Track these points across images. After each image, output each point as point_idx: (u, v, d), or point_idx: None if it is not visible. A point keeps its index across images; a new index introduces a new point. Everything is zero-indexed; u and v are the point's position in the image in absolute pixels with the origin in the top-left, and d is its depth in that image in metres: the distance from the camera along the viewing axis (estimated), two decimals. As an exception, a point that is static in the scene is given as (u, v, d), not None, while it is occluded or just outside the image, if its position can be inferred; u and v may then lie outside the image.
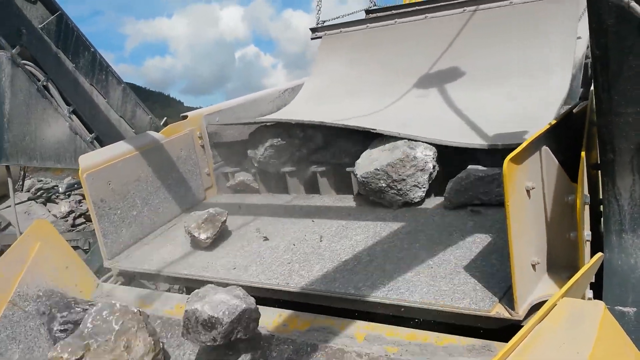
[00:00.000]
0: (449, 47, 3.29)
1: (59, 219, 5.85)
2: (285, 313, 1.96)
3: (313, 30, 4.07)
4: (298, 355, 1.78)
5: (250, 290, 2.11)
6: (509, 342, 1.12)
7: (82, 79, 2.59)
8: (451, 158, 2.40)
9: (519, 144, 1.44)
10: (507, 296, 1.61)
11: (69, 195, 6.97)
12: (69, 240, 2.54)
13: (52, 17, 2.63)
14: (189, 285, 2.45)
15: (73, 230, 5.66)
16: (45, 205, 6.15)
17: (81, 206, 6.67)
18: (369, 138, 2.55)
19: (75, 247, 3.24)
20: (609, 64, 1.27)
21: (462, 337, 1.63)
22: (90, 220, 2.36)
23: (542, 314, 1.17)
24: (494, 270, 1.77)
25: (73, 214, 6.53)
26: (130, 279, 2.55)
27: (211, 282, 2.20)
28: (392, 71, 3.42)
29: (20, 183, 5.58)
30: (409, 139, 2.38)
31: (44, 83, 2.47)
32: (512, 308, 1.55)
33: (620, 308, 1.62)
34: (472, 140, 2.27)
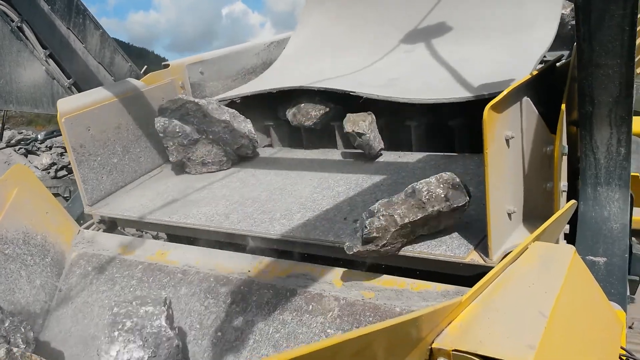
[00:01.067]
0: (438, 3, 3.23)
1: (41, 170, 5.78)
2: (266, 260, 1.99)
3: (300, -19, 3.95)
4: (277, 299, 1.82)
5: (232, 237, 2.14)
6: (480, 281, 1.15)
7: (59, 22, 2.49)
8: (438, 111, 2.41)
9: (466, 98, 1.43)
10: (482, 244, 1.65)
11: (51, 148, 6.86)
12: (49, 187, 2.50)
13: (24, -45, 2.51)
14: (171, 232, 2.46)
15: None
16: (26, 157, 6.05)
17: (63, 158, 6.58)
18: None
19: (56, 195, 3.21)
20: (590, 13, 1.26)
21: (437, 284, 1.68)
22: (72, 170, 2.32)
23: (513, 256, 1.20)
24: (472, 220, 1.80)
25: (55, 167, 6.44)
26: (111, 226, 2.56)
27: (193, 229, 2.22)
28: (380, 27, 3.36)
29: (-1, 133, 5.48)
30: (388, 101, 2.38)
31: (18, 24, 2.37)
32: (487, 255, 1.59)
33: (592, 258, 1.68)
34: (455, 94, 2.26)
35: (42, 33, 2.48)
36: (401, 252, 1.72)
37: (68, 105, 2.28)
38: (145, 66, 2.95)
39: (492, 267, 1.60)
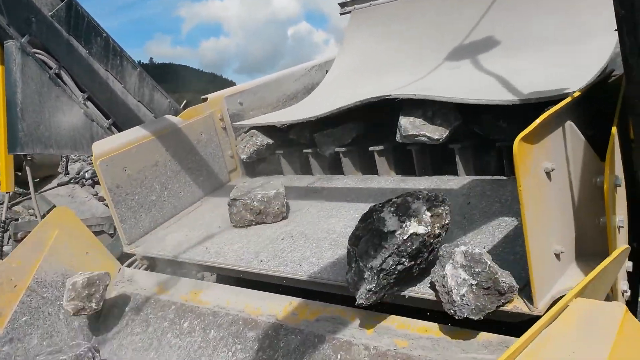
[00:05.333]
0: (484, 16, 3.05)
1: (104, 202, 6.03)
2: (296, 301, 1.89)
3: (342, 5, 3.89)
4: (305, 346, 1.71)
5: (261, 277, 2.06)
6: (509, 349, 0.98)
7: (97, 65, 2.58)
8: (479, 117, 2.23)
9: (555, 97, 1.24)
10: (527, 288, 1.45)
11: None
12: (94, 225, 2.57)
13: (61, 4, 2.63)
14: (204, 271, 2.43)
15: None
16: (93, 187, 6.36)
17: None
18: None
19: (101, 232, 3.31)
20: (636, 25, 1.06)
21: (478, 332, 1.50)
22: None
23: (549, 318, 1.02)
24: (517, 258, 1.61)
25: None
26: (152, 263, 2.56)
27: (222, 269, 2.17)
28: (425, 44, 3.21)
29: (64, 167, 5.78)
30: (425, 99, 2.22)
31: (56, 71, 2.47)
32: (531, 302, 1.39)
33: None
34: (499, 96, 2.06)
35: (80, 77, 2.57)
36: (435, 297, 1.56)
37: (103, 147, 2.32)
38: (185, 101, 2.98)
39: (538, 315, 1.42)
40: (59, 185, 4.63)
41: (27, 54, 2.41)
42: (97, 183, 6.59)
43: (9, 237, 3.51)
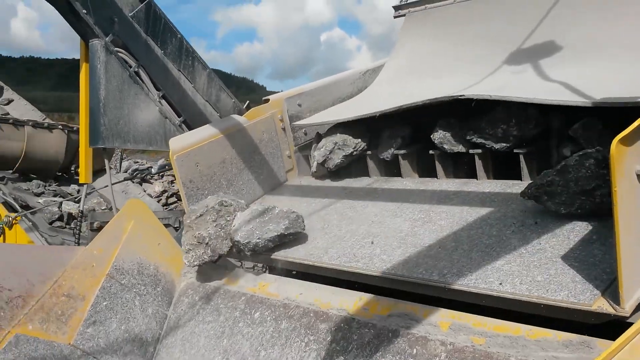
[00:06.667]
0: (544, 19, 3.03)
1: (153, 198, 6.24)
2: (366, 297, 1.93)
3: (396, 8, 3.93)
4: (379, 339, 1.75)
5: (332, 272, 2.12)
6: (616, 341, 1.01)
7: (171, 65, 2.70)
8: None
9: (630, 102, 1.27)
10: (611, 289, 1.46)
11: (162, 176, 7.41)
12: (160, 218, 2.67)
13: (141, 5, 2.77)
14: (271, 265, 2.50)
15: (166, 208, 6.01)
16: (141, 185, 6.56)
17: (173, 186, 7.07)
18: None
19: (167, 225, 3.43)
20: None
21: (557, 332, 1.52)
22: (181, 200, 2.47)
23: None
24: (596, 261, 1.62)
25: (166, 194, 6.94)
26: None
27: (293, 263, 2.23)
28: (483, 47, 3.21)
29: (118, 164, 6.00)
30: (502, 100, 2.25)
31: (135, 69, 2.60)
32: (617, 303, 1.41)
33: None
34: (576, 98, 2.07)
35: (156, 76, 2.69)
36: (516, 296, 1.58)
37: (179, 143, 2.42)
38: (248, 101, 3.08)
39: (624, 317, 1.43)
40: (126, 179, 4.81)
41: (110, 52, 2.55)
42: (146, 181, 6.80)
43: (86, 227, 3.69)
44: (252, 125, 2.86)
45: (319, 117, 3.13)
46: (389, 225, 2.23)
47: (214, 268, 2.46)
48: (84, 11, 2.50)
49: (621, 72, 2.35)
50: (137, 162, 8.86)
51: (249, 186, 2.84)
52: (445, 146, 2.57)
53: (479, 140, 2.44)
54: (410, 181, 2.76)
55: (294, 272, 2.34)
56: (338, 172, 3.03)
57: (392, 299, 1.88)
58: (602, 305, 1.44)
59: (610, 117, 2.07)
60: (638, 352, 1.05)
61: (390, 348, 1.70)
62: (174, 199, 7.06)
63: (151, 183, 7.19)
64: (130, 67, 2.62)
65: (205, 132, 2.57)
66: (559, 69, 2.62)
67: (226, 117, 2.81)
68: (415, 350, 1.66)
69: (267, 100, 3.02)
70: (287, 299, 2.09)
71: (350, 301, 1.94)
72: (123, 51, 2.58)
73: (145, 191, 6.25)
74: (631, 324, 1.26)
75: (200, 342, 2.13)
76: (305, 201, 2.75)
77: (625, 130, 1.26)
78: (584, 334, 1.48)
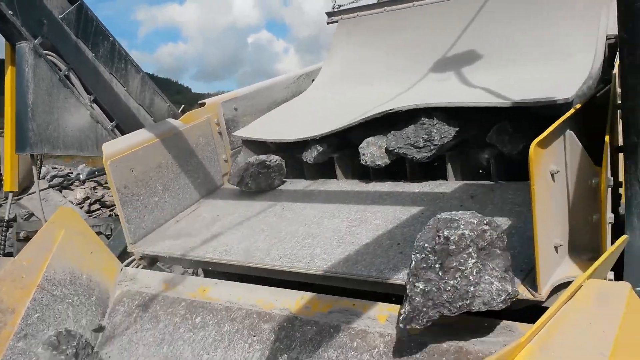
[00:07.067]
0: (467, 29, 3.25)
1: (75, 205, 5.94)
2: (308, 295, 1.99)
3: (329, 14, 4.03)
4: (321, 335, 1.82)
5: (273, 273, 2.16)
6: (536, 323, 1.14)
7: (102, 68, 2.62)
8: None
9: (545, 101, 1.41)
10: (529, 277, 1.63)
11: (84, 182, 7.06)
12: (91, 226, 2.59)
13: (72, 7, 2.66)
14: (213, 269, 2.50)
15: (90, 216, 5.74)
16: (60, 192, 6.23)
17: (96, 192, 6.76)
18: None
19: (98, 233, 3.31)
20: (636, 49, 1.26)
21: (484, 318, 1.66)
22: (106, 207, 2.42)
23: (568, 295, 1.19)
24: (515, 253, 1.78)
25: (89, 200, 6.62)
26: (151, 262, 2.61)
27: (234, 266, 2.25)
28: (410, 56, 3.38)
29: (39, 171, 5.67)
30: (426, 107, 2.40)
31: (65, 72, 2.50)
32: (535, 289, 1.57)
33: (643, 289, 1.64)
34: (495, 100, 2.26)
35: (87, 79, 2.60)
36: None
37: (113, 148, 2.36)
38: (183, 105, 3.05)
39: (540, 302, 1.60)
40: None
41: (39, 55, 2.43)
42: (65, 188, 6.46)
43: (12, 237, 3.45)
44: (188, 130, 2.84)
45: (259, 124, 3.16)
46: (327, 226, 2.31)
47: (149, 275, 2.42)
48: (10, 12, 2.38)
49: (540, 76, 2.58)
50: (55, 167, 8.37)
51: (185, 190, 2.82)
52: (378, 162, 2.65)
53: (402, 152, 2.55)
54: (345, 183, 2.86)
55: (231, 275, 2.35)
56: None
57: (333, 296, 1.96)
58: (522, 292, 1.60)
59: (523, 119, 2.29)
60: (554, 332, 1.19)
61: (332, 343, 1.78)
62: (97, 205, 6.75)
63: (72, 190, 6.83)
64: (60, 70, 2.51)
65: (140, 137, 2.52)
66: (481, 75, 2.83)
67: (161, 121, 2.77)
68: (355, 344, 1.75)
69: (203, 104, 3.01)
70: (229, 302, 2.10)
71: (292, 300, 1.99)
72: (52, 54, 2.47)
73: (65, 198, 5.94)
74: (547, 307, 1.42)
75: (139, 351, 2.09)
76: (243, 204, 2.78)
77: (542, 134, 1.42)
78: (508, 320, 1.63)
